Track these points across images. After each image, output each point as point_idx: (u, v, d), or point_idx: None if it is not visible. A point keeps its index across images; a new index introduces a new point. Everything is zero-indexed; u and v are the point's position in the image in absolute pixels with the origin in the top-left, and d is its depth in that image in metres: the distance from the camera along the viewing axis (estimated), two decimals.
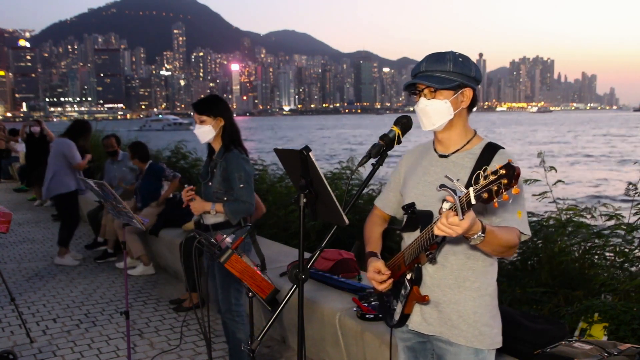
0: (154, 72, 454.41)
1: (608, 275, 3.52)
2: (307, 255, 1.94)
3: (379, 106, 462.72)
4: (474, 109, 1.96)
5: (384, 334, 3.02)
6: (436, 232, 1.54)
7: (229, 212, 3.18)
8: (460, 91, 1.86)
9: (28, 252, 7.10)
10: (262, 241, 5.20)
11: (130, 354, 3.58)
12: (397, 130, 1.99)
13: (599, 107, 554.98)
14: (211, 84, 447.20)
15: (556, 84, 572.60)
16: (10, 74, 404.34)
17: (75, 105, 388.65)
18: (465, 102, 1.89)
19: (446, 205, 1.49)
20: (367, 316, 3.20)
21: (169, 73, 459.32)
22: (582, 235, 3.91)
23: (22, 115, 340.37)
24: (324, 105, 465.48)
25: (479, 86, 1.95)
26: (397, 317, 1.97)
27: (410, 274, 1.90)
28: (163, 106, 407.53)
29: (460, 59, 1.86)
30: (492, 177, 1.39)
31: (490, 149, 1.87)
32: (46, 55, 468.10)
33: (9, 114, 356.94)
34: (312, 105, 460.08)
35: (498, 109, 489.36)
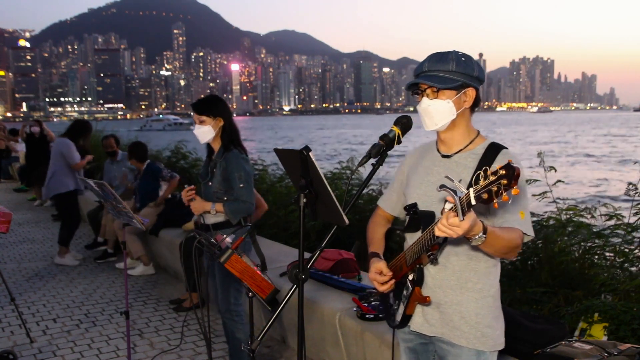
0: (154, 72, 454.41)
1: (608, 275, 3.52)
2: (307, 255, 1.94)
3: (379, 106, 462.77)
4: (477, 109, 1.95)
5: (384, 334, 3.02)
6: (437, 233, 1.53)
7: (229, 211, 3.18)
8: (463, 91, 1.85)
9: (28, 252, 7.10)
10: (262, 241, 5.20)
11: (130, 354, 3.58)
12: (397, 130, 1.98)
13: (599, 107, 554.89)
14: (211, 84, 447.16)
15: (556, 84, 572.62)
16: (10, 74, 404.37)
17: (75, 105, 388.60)
18: (468, 102, 1.87)
19: (448, 206, 1.49)
20: (367, 316, 3.20)
21: (169, 73, 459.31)
22: (582, 235, 3.91)
23: (22, 115, 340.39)
24: (324, 105, 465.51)
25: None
26: (399, 317, 1.96)
27: (412, 275, 1.89)
28: (163, 106, 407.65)
29: (463, 59, 1.85)
30: (491, 178, 1.38)
31: (493, 149, 1.86)
32: (46, 55, 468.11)
33: (9, 114, 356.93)
34: (312, 105, 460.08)
35: (498, 109, 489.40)
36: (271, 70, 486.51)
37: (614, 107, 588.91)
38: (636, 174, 4.28)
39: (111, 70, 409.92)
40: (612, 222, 3.90)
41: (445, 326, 1.90)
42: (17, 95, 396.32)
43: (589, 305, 3.00)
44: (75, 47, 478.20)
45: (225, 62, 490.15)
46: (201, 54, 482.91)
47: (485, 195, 1.39)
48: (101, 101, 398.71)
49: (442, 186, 1.47)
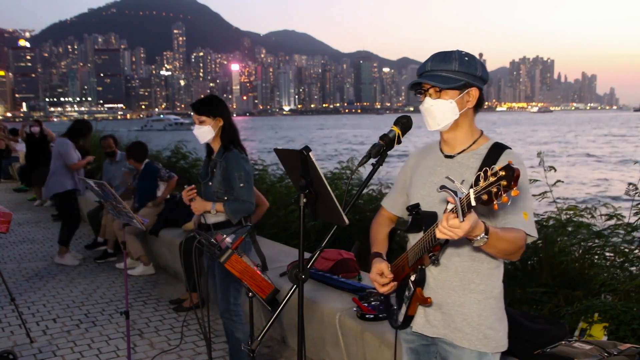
0: (154, 72, 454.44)
1: (608, 275, 3.52)
2: (307, 255, 1.94)
3: (379, 106, 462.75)
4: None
5: (384, 334, 3.02)
6: (438, 235, 1.52)
7: (229, 211, 3.19)
8: (466, 91, 1.83)
9: (28, 252, 7.10)
10: (262, 241, 5.20)
11: (130, 354, 3.58)
12: (397, 130, 1.97)
13: (599, 107, 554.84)
14: (211, 84, 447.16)
15: (556, 84, 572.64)
16: (10, 74, 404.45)
17: (75, 105, 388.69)
18: (471, 102, 1.86)
19: (450, 207, 1.47)
20: (367, 316, 3.20)
21: (169, 73, 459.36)
22: (582, 235, 3.91)
23: (22, 115, 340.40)
24: (324, 105, 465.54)
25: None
26: (401, 318, 1.96)
27: (414, 276, 1.87)
28: (163, 106, 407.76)
29: (467, 58, 1.83)
30: (491, 179, 1.36)
31: (497, 149, 1.85)
32: (46, 55, 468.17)
33: (9, 114, 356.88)
34: (312, 105, 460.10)
35: (498, 109, 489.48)
36: (271, 70, 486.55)
37: (614, 107, 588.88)
38: (636, 174, 4.29)
39: (111, 70, 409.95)
40: (612, 222, 3.90)
41: (447, 327, 1.89)
42: (17, 95, 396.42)
43: (589, 305, 3.00)
44: (75, 47, 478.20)
45: (225, 62, 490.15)
46: (201, 54, 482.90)
47: (485, 197, 1.37)
48: (101, 101, 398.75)
49: (443, 187, 1.46)
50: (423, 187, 1.94)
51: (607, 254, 3.79)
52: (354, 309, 3.32)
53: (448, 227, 1.47)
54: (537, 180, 4.04)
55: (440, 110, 1.84)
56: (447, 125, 1.86)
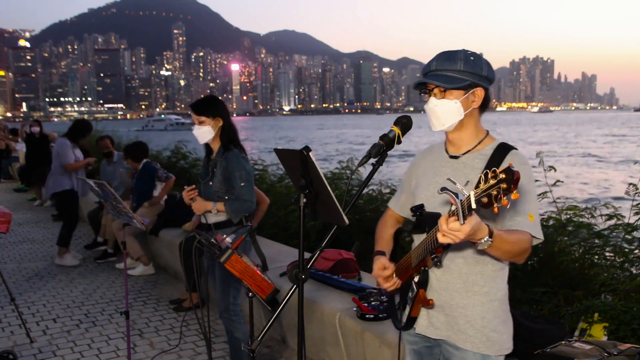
0: (154, 72, 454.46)
1: (608, 275, 3.52)
2: (307, 255, 1.94)
3: (379, 106, 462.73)
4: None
5: (384, 334, 3.02)
6: (440, 239, 1.48)
7: (230, 211, 3.19)
8: (471, 91, 1.81)
9: (28, 252, 7.10)
10: (262, 241, 5.20)
11: (130, 354, 3.58)
12: (397, 130, 1.97)
13: (599, 107, 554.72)
14: (211, 84, 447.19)
15: (556, 84, 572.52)
16: (10, 74, 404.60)
17: (75, 105, 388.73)
18: (476, 102, 1.83)
19: (453, 208, 1.44)
20: (367, 316, 3.20)
21: (169, 73, 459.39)
22: (582, 235, 3.91)
23: (22, 115, 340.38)
24: (324, 105, 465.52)
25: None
26: (404, 319, 1.94)
27: (417, 277, 1.86)
28: (163, 106, 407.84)
29: (472, 58, 1.81)
30: (492, 182, 1.33)
31: (502, 150, 1.82)
32: (46, 55, 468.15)
33: (9, 114, 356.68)
34: (312, 105, 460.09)
35: (498, 109, 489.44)
36: (271, 70, 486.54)
37: (614, 107, 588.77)
38: (637, 174, 4.29)
39: (111, 70, 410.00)
40: (612, 222, 3.90)
41: (450, 329, 1.87)
42: (17, 95, 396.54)
43: (589, 305, 3.00)
44: (75, 47, 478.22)
45: (225, 62, 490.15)
46: (201, 54, 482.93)
47: (485, 199, 1.34)
48: (101, 101, 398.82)
49: (444, 189, 1.44)
50: (428, 187, 1.92)
51: (607, 254, 3.79)
52: (354, 309, 3.32)
53: (448, 230, 1.44)
54: (537, 180, 4.04)
55: (444, 111, 1.82)
56: (451, 125, 1.84)
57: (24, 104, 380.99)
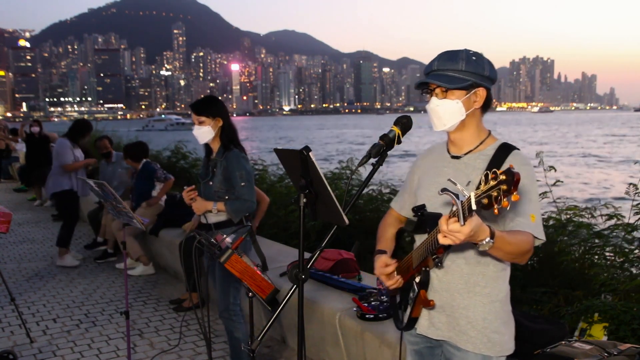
0: (154, 72, 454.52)
1: (608, 275, 3.52)
2: (307, 255, 1.94)
3: (379, 106, 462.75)
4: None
5: (384, 334, 3.02)
6: (441, 240, 1.47)
7: (231, 210, 3.19)
8: (473, 91, 1.80)
9: (28, 252, 7.10)
10: (262, 241, 5.20)
11: (130, 354, 3.58)
12: (397, 130, 1.97)
13: (599, 107, 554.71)
14: (211, 84, 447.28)
15: (556, 84, 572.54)
16: (10, 74, 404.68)
17: (75, 105, 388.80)
18: (478, 102, 1.82)
19: (454, 209, 1.43)
20: (367, 316, 3.20)
21: (169, 73, 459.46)
22: (582, 235, 3.91)
23: (22, 115, 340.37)
24: (324, 105, 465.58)
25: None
26: (405, 319, 1.94)
27: (418, 277, 1.85)
28: (163, 106, 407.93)
29: (474, 58, 1.80)
30: (492, 183, 1.32)
31: (504, 150, 1.82)
32: (46, 55, 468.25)
33: (9, 114, 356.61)
34: (312, 105, 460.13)
35: (498, 109, 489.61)
36: (271, 70, 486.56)
37: (614, 107, 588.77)
38: (637, 174, 4.28)
39: (111, 70, 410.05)
40: (612, 222, 3.90)
41: (451, 330, 1.87)
42: (17, 95, 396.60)
43: (589, 305, 3.00)
44: (75, 47, 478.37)
45: (225, 62, 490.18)
46: (201, 54, 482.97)
47: (485, 200, 1.33)
48: (101, 101, 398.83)
49: (444, 190, 1.43)
50: (429, 188, 1.91)
51: (607, 254, 3.79)
52: (354, 309, 3.32)
53: (447, 232, 1.43)
54: (537, 180, 4.03)
55: (446, 111, 1.81)
56: (453, 125, 1.83)
57: (24, 104, 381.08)
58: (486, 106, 1.86)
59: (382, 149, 1.95)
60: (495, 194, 1.30)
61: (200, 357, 3.94)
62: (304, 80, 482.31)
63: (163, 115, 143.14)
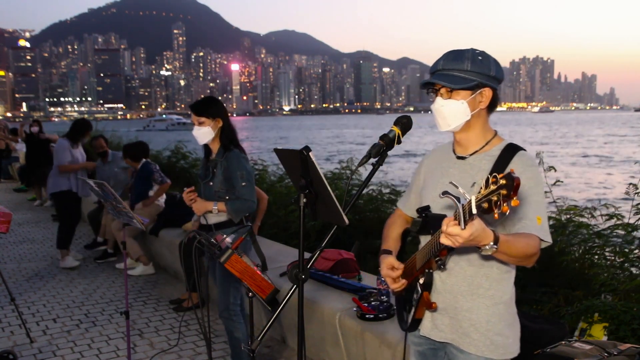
0: (154, 72, 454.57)
1: (608, 275, 3.52)
2: (307, 255, 1.94)
3: (379, 106, 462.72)
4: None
5: (384, 334, 3.02)
6: (441, 240, 1.46)
7: (231, 210, 3.20)
8: (478, 91, 1.77)
9: (28, 252, 7.10)
10: (262, 241, 5.20)
11: (130, 354, 3.58)
12: (397, 130, 1.96)
13: (599, 107, 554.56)
14: (211, 84, 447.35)
15: (556, 84, 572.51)
16: (10, 74, 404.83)
17: (75, 105, 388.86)
18: (484, 103, 1.80)
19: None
20: (367, 316, 3.20)
21: (169, 73, 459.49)
22: (582, 235, 3.91)
23: (22, 115, 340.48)
24: (324, 105, 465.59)
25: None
26: (409, 320, 1.93)
27: (422, 279, 1.84)
28: (163, 106, 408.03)
29: (480, 57, 1.77)
30: (492, 187, 1.30)
31: (510, 151, 1.79)
32: (46, 55, 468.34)
33: (9, 114, 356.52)
34: (312, 105, 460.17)
35: (498, 109, 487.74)
36: (271, 70, 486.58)
37: (615, 107, 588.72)
38: (637, 174, 4.29)
39: (111, 70, 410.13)
40: (612, 222, 3.90)
41: (454, 332, 1.85)
42: (17, 95, 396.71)
43: (589, 305, 3.00)
44: (75, 47, 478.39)
45: (225, 62, 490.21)
46: (201, 54, 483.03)
47: (485, 205, 1.31)
48: (101, 101, 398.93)
49: (445, 193, 1.41)
50: (435, 188, 1.88)
51: (607, 254, 3.79)
52: (354, 309, 3.32)
53: (446, 234, 1.42)
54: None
55: (451, 111, 1.79)
56: (458, 126, 1.81)
57: (24, 104, 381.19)
58: (492, 106, 1.84)
59: (382, 149, 1.94)
60: (495, 198, 1.28)
61: (200, 357, 3.94)
62: (304, 80, 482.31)
63: (164, 115, 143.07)
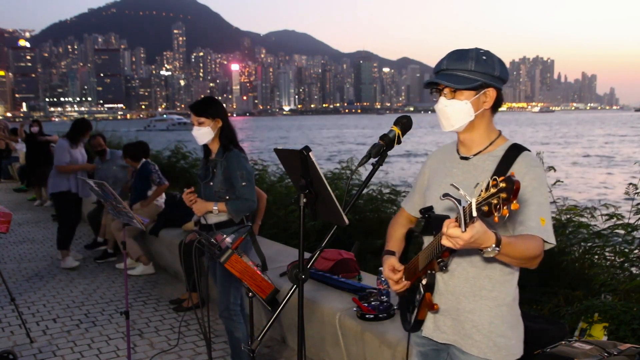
0: (154, 72, 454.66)
1: (608, 275, 3.52)
2: (307, 255, 1.94)
3: (379, 106, 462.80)
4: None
5: (384, 334, 3.02)
6: (442, 241, 1.45)
7: (232, 210, 3.20)
8: (482, 91, 1.76)
9: (28, 252, 7.10)
10: (262, 241, 5.20)
11: (130, 354, 3.58)
12: (397, 130, 1.96)
13: (599, 107, 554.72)
14: (211, 84, 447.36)
15: (556, 84, 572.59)
16: (10, 74, 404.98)
17: (75, 105, 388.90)
18: (488, 103, 1.78)
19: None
20: (367, 316, 3.20)
21: (169, 73, 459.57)
22: (582, 236, 3.91)
23: (22, 115, 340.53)
24: (324, 105, 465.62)
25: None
26: (412, 321, 1.93)
27: (424, 280, 1.83)
28: (163, 106, 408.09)
29: (484, 57, 1.75)
30: (492, 190, 1.29)
31: (514, 151, 1.77)
32: (46, 55, 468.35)
33: (9, 114, 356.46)
34: (312, 105, 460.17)
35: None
36: (271, 70, 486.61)
37: (615, 107, 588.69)
38: (637, 174, 4.29)
39: (111, 70, 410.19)
40: (612, 222, 3.90)
41: (457, 334, 1.84)
42: (17, 95, 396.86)
43: (589, 305, 3.00)
44: (75, 47, 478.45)
45: (225, 62, 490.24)
46: (201, 54, 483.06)
47: (485, 208, 1.30)
48: (101, 101, 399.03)
49: (446, 195, 1.40)
50: (438, 189, 1.87)
51: (607, 254, 3.79)
52: (354, 309, 3.32)
53: (446, 236, 1.41)
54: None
55: (454, 111, 1.77)
56: (461, 126, 1.80)
57: (24, 104, 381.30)
58: (496, 107, 1.82)
59: (382, 149, 1.94)
60: (495, 201, 1.27)
61: (200, 357, 3.94)
62: (304, 80, 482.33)
63: (165, 115, 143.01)
